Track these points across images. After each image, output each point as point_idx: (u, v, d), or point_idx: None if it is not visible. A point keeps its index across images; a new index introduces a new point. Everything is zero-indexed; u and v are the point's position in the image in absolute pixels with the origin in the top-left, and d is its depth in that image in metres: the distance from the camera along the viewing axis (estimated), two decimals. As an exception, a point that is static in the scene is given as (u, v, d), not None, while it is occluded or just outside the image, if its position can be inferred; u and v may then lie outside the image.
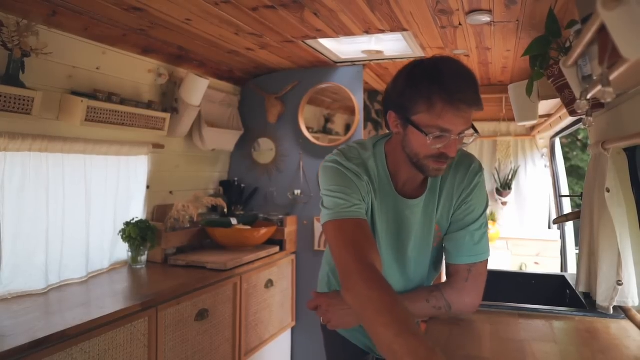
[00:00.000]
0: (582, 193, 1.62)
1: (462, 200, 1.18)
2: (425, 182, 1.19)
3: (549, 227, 3.77)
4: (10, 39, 1.59)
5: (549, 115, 2.84)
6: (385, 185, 1.16)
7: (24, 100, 1.63)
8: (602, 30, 0.84)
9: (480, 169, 1.19)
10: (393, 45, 2.39)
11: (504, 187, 3.80)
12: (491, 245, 3.93)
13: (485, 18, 1.81)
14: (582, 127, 1.84)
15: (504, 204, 3.86)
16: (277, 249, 2.73)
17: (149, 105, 2.28)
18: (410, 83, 1.02)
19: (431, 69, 1.00)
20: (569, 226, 3.40)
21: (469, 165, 1.19)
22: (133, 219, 2.25)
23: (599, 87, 0.87)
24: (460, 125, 1.00)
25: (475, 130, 1.04)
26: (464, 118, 0.99)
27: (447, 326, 1.26)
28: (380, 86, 3.39)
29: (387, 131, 1.17)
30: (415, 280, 1.26)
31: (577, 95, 1.20)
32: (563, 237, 3.49)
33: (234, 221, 2.64)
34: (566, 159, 4.79)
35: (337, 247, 1.02)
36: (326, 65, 2.82)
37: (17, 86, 1.62)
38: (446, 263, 1.24)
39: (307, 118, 3.19)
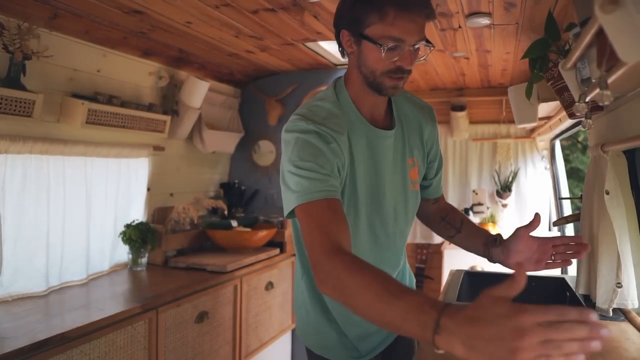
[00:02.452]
0: (581, 195, 1.62)
1: (433, 138, 1.25)
2: (389, 113, 1.18)
3: (549, 229, 3.77)
4: (12, 41, 1.60)
5: (548, 118, 2.84)
6: (356, 124, 1.10)
7: (24, 102, 1.63)
8: (601, 33, 0.84)
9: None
10: (393, 48, 2.40)
11: (504, 189, 3.80)
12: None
13: (485, 21, 1.82)
14: (582, 129, 1.84)
15: (504, 206, 3.86)
16: (277, 251, 2.73)
17: (149, 108, 2.28)
18: None
19: None
20: (569, 228, 3.39)
21: (429, 107, 1.26)
22: (133, 221, 2.25)
23: (598, 90, 0.88)
24: (413, 34, 0.97)
25: (429, 42, 1.02)
26: (416, 25, 0.97)
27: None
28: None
29: (342, 57, 1.15)
30: (397, 235, 1.21)
31: (576, 97, 1.20)
32: (563, 239, 3.48)
33: (234, 223, 2.64)
34: (566, 161, 4.79)
35: (309, 234, 0.92)
36: (326, 68, 2.83)
37: (18, 89, 1.62)
38: (428, 199, 1.33)
39: (307, 120, 3.19)
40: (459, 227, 1.31)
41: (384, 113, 1.16)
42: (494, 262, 1.21)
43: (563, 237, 1.21)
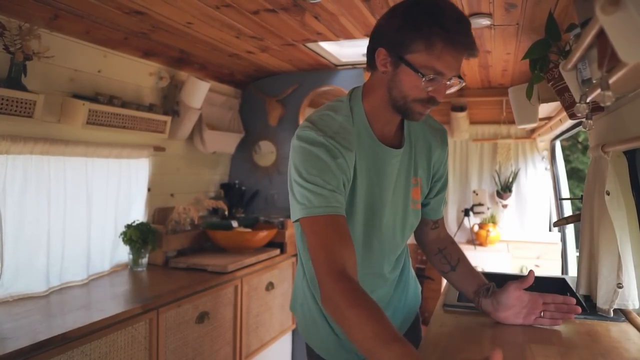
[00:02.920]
0: (582, 196, 1.62)
1: (441, 161, 1.25)
2: (399, 132, 1.17)
3: (550, 230, 3.77)
4: (13, 42, 1.60)
5: (549, 118, 2.84)
6: (365, 139, 1.10)
7: (25, 103, 1.64)
8: (601, 34, 0.84)
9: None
10: (393, 48, 2.40)
11: (505, 189, 3.80)
12: (492, 247, 3.89)
13: (486, 21, 1.82)
14: (583, 129, 1.84)
15: (504, 206, 3.86)
16: (277, 251, 2.73)
17: (150, 108, 2.28)
18: (409, 20, 0.97)
19: (432, 8, 0.96)
20: (570, 229, 3.39)
21: (442, 129, 1.26)
22: (134, 222, 2.25)
23: (599, 91, 0.88)
24: (453, 70, 0.99)
25: (461, 78, 1.03)
26: (458, 62, 0.99)
27: (446, 329, 1.26)
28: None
29: (367, 70, 1.13)
30: (389, 251, 1.21)
31: (577, 98, 1.20)
32: (563, 239, 3.49)
33: (234, 224, 2.64)
34: (566, 161, 4.79)
35: (314, 249, 0.96)
36: (327, 68, 2.83)
37: (19, 89, 1.63)
38: (427, 220, 1.32)
39: (307, 121, 3.20)
40: (454, 266, 1.30)
41: (394, 131, 1.16)
42: (482, 311, 1.24)
43: (555, 295, 1.21)
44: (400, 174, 1.16)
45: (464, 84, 1.05)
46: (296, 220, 1.01)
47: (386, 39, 1.02)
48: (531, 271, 1.17)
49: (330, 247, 0.94)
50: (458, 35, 0.96)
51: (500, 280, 1.28)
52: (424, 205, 1.28)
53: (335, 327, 1.21)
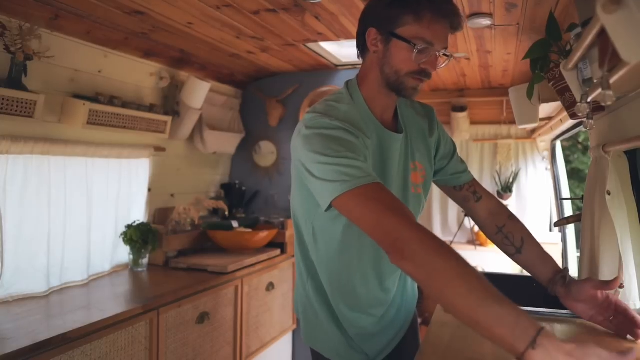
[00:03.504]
0: (583, 196, 1.61)
1: (439, 137, 1.26)
2: (395, 118, 1.19)
3: (550, 230, 3.77)
4: (13, 42, 1.60)
5: (549, 118, 2.84)
6: (369, 125, 1.10)
7: (26, 103, 1.64)
8: (602, 33, 0.84)
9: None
10: (394, 49, 2.40)
11: (505, 190, 3.80)
12: (492, 248, 3.86)
13: (486, 21, 1.82)
14: (583, 130, 1.84)
15: (505, 206, 3.85)
16: (278, 251, 2.73)
17: (150, 109, 2.28)
18: None
19: None
20: (570, 229, 3.39)
21: (429, 110, 1.28)
22: (134, 222, 2.25)
23: (599, 90, 0.87)
24: (442, 40, 1.03)
25: (449, 54, 1.06)
26: (445, 32, 1.03)
27: (447, 330, 1.26)
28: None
29: (358, 57, 1.15)
30: None
31: (578, 98, 1.20)
32: (564, 239, 3.48)
33: (235, 224, 2.64)
34: (567, 161, 4.79)
35: (376, 214, 0.87)
36: (327, 69, 2.83)
37: (20, 89, 1.63)
38: (459, 186, 1.29)
39: (308, 121, 3.20)
40: (520, 247, 1.24)
41: (392, 117, 1.18)
42: (553, 294, 1.17)
43: (629, 310, 1.08)
44: (400, 159, 1.17)
45: (451, 58, 1.08)
46: (329, 206, 0.93)
47: (375, 17, 1.06)
48: (616, 278, 1.09)
49: (398, 205, 0.89)
50: (444, 4, 1.01)
51: (500, 281, 1.28)
52: (443, 177, 1.30)
53: (346, 328, 1.18)
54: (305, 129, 1.01)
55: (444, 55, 1.06)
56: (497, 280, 1.30)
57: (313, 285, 1.20)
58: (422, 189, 1.23)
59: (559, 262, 3.54)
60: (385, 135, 1.12)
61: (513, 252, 1.26)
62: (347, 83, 1.16)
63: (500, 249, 1.30)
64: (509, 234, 1.26)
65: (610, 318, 1.11)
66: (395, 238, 0.84)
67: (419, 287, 1.46)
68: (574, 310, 1.14)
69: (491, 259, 3.61)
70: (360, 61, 1.19)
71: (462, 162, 1.33)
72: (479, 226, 1.35)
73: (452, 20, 1.03)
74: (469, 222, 3.90)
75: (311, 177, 0.97)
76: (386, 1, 1.03)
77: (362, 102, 1.12)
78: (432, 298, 0.81)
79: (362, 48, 1.11)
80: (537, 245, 1.23)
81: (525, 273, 1.33)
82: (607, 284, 1.08)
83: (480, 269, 3.28)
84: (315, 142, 0.97)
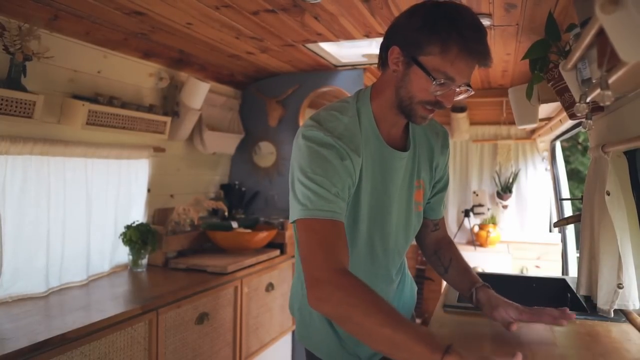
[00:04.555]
0: (582, 196, 1.61)
1: (442, 164, 1.25)
2: (404, 135, 1.17)
3: (550, 231, 3.77)
4: (12, 43, 1.60)
5: (549, 119, 2.84)
6: (372, 141, 1.09)
7: (25, 104, 1.64)
8: (601, 33, 0.84)
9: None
10: (393, 49, 2.40)
11: (505, 190, 3.80)
12: (492, 248, 3.88)
13: (485, 22, 1.82)
14: (583, 130, 1.84)
15: (504, 207, 3.85)
16: (277, 252, 2.73)
17: (150, 109, 2.28)
18: (427, 21, 0.96)
19: (452, 13, 0.96)
20: (570, 229, 3.39)
21: (444, 132, 1.26)
22: (134, 223, 2.25)
23: (598, 91, 0.87)
24: (465, 77, 0.99)
25: (470, 86, 1.03)
26: (470, 70, 0.99)
27: (447, 330, 1.26)
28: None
29: (378, 69, 1.13)
30: (395, 254, 1.20)
31: (577, 98, 1.20)
32: (564, 240, 3.49)
33: (234, 224, 2.64)
34: (566, 162, 4.79)
35: (310, 248, 0.94)
36: (327, 69, 2.83)
37: (19, 90, 1.63)
38: (427, 221, 1.31)
39: (307, 121, 3.20)
40: (447, 267, 1.31)
41: (400, 133, 1.16)
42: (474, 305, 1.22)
43: (536, 309, 1.14)
44: (405, 175, 1.16)
45: (472, 93, 1.05)
46: (294, 222, 0.99)
47: (402, 37, 1.01)
48: (514, 324, 1.12)
49: (332, 246, 0.93)
50: (474, 43, 0.95)
51: (500, 281, 1.28)
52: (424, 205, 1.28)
53: (336, 328, 1.19)
54: (300, 138, 1.03)
55: (466, 87, 1.02)
56: (497, 280, 1.30)
57: None
58: (422, 206, 1.24)
59: (559, 263, 3.55)
60: (388, 153, 1.11)
61: (442, 272, 1.33)
62: (359, 93, 1.13)
63: (434, 269, 1.36)
64: (442, 255, 1.33)
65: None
66: (315, 278, 0.91)
67: (418, 290, 1.46)
68: (497, 318, 1.15)
69: (491, 260, 3.61)
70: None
71: (444, 204, 1.35)
72: (420, 246, 1.39)
73: (480, 60, 0.98)
74: (468, 223, 3.90)
75: (290, 187, 1.03)
76: (417, 24, 0.98)
77: (370, 117, 1.10)
78: (349, 332, 0.89)
79: (383, 62, 1.08)
80: (461, 264, 1.30)
81: (525, 273, 1.34)
82: (519, 312, 1.12)
83: (480, 270, 3.28)
84: (303, 157, 1.00)
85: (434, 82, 0.97)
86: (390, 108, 1.08)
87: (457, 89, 1.01)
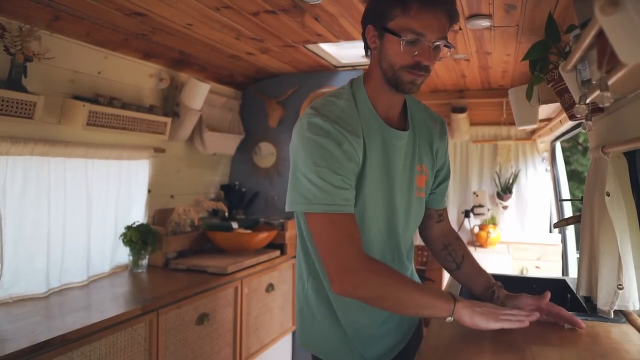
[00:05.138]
0: (582, 197, 1.62)
1: (442, 150, 1.27)
2: (402, 116, 1.19)
3: (550, 231, 3.77)
4: (13, 43, 1.60)
5: (549, 119, 2.84)
6: (371, 123, 1.11)
7: (26, 104, 1.64)
8: (601, 35, 0.84)
9: None
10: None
11: (505, 191, 3.80)
12: (492, 249, 3.88)
13: (485, 23, 1.82)
14: (583, 131, 1.84)
15: (504, 207, 3.85)
16: (277, 252, 2.73)
17: (150, 110, 2.28)
18: None
19: None
20: (570, 230, 3.39)
21: (441, 119, 1.29)
22: (134, 223, 2.25)
23: (598, 92, 0.87)
24: (434, 31, 1.00)
25: (449, 44, 1.04)
26: (438, 22, 1.00)
27: (447, 330, 1.26)
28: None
29: (366, 57, 1.16)
30: (404, 241, 1.21)
31: (577, 99, 1.20)
32: (564, 240, 3.49)
33: (234, 225, 2.64)
34: (567, 163, 4.79)
35: (333, 242, 1.00)
36: (327, 70, 2.83)
37: (20, 91, 1.63)
38: (431, 212, 1.33)
39: (307, 122, 3.20)
40: (460, 264, 1.33)
41: (398, 114, 1.17)
42: None
43: (555, 307, 1.21)
44: (407, 159, 1.17)
45: (452, 48, 1.07)
46: (293, 211, 1.05)
47: (371, 14, 1.07)
48: (547, 292, 1.21)
49: (354, 237, 1.01)
50: None
51: (502, 282, 1.28)
52: (428, 194, 1.29)
53: (345, 330, 1.18)
54: (299, 127, 1.07)
55: (445, 46, 1.03)
56: (498, 280, 1.30)
57: (314, 285, 1.19)
58: (425, 193, 1.24)
59: (559, 263, 3.55)
60: (387, 132, 1.12)
61: (453, 268, 1.35)
62: (352, 80, 1.17)
63: (442, 265, 1.38)
64: (453, 251, 1.35)
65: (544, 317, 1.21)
66: (345, 268, 0.99)
67: None
68: (517, 307, 1.21)
69: (491, 260, 3.61)
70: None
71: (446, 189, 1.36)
72: (425, 242, 1.40)
73: (444, 9, 1.01)
74: (468, 223, 3.90)
75: (292, 177, 1.06)
76: None
77: (366, 99, 1.12)
78: (384, 307, 1.05)
79: (366, 47, 1.12)
80: (475, 263, 1.34)
81: (525, 274, 1.36)
82: (541, 298, 1.20)
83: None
84: (303, 148, 1.03)
85: (402, 41, 1.00)
86: (382, 86, 1.10)
87: (431, 44, 1.01)
